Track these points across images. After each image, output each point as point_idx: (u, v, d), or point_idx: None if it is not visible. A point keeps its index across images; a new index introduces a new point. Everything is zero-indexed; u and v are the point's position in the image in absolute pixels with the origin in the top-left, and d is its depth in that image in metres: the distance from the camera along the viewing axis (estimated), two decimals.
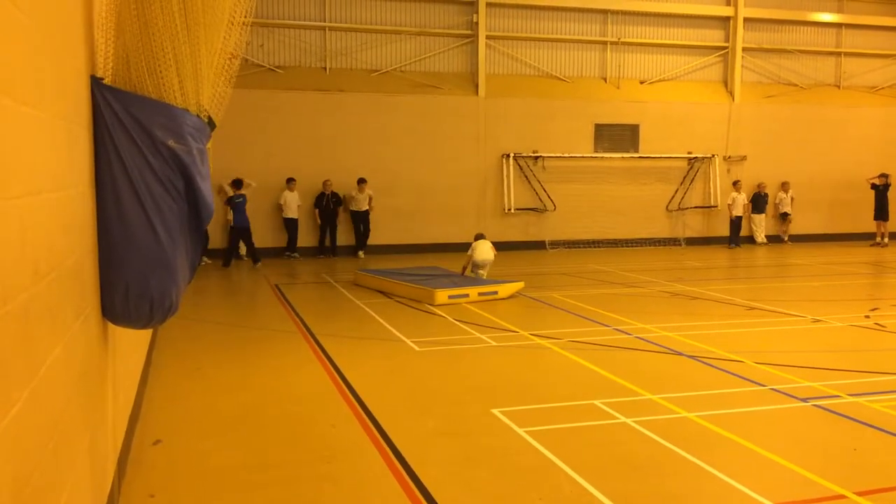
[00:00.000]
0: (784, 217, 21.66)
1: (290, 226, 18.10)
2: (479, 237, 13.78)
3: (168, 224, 3.95)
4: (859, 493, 4.73)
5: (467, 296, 11.69)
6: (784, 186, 21.52)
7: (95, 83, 3.87)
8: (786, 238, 21.69)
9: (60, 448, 2.82)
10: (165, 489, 4.90)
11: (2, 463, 2.09)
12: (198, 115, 4.23)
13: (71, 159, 3.29)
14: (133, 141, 3.88)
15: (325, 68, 18.81)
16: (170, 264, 3.99)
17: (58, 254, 2.93)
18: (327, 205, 18.21)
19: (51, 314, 2.78)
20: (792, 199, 21.54)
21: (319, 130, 18.44)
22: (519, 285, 12.51)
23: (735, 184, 20.90)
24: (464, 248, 19.25)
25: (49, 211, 2.83)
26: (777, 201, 21.70)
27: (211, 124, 4.43)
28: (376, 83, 18.99)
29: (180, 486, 4.97)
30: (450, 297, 11.48)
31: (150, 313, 4.05)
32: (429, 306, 11.30)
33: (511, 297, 12.16)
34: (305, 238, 18.40)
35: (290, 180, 17.86)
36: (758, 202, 21.24)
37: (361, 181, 18.13)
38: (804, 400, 6.69)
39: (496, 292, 12.08)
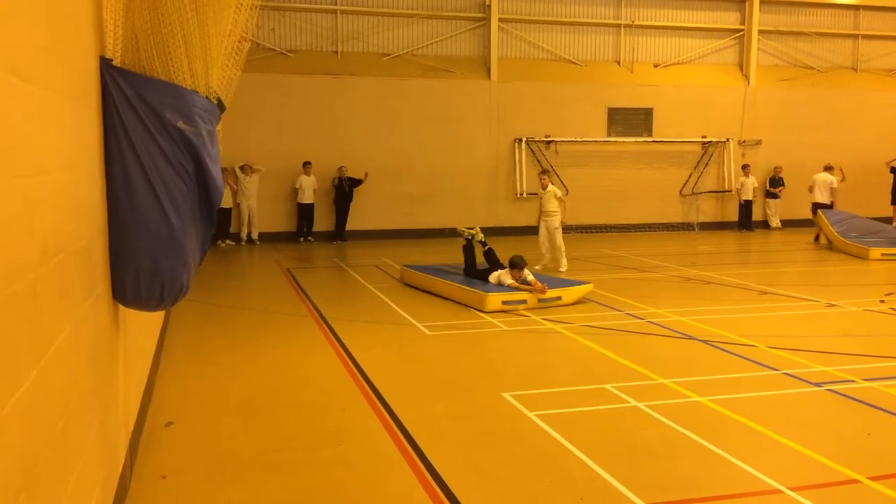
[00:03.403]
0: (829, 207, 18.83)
1: (305, 210, 18.10)
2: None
3: (178, 206, 3.95)
4: (873, 478, 4.69)
5: (525, 302, 9.88)
6: (829, 171, 18.82)
7: (104, 64, 3.86)
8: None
9: (70, 428, 2.82)
10: (177, 470, 4.92)
11: (10, 441, 2.09)
12: (207, 97, 4.22)
13: (79, 140, 3.28)
14: (142, 122, 3.87)
15: (336, 52, 18.74)
16: (180, 246, 3.99)
17: (66, 234, 2.93)
18: (342, 190, 18.17)
19: (60, 294, 2.78)
20: (842, 177, 18.68)
21: (331, 114, 18.40)
22: (588, 287, 10.55)
23: (744, 168, 20.73)
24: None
25: (57, 191, 2.82)
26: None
27: (220, 106, 4.42)
28: (388, 67, 18.91)
29: (192, 467, 4.99)
30: (504, 302, 9.78)
31: (160, 295, 4.05)
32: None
33: (578, 302, 10.32)
34: (319, 222, 18.39)
35: (306, 164, 17.85)
36: (775, 186, 21.00)
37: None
38: (818, 384, 6.64)
39: (559, 298, 10.07)
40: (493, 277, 10.48)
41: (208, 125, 4.14)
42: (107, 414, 3.76)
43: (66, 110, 3.03)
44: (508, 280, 10.18)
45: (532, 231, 14.16)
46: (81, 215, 3.25)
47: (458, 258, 11.68)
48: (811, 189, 18.06)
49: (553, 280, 10.83)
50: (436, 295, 10.84)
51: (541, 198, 13.59)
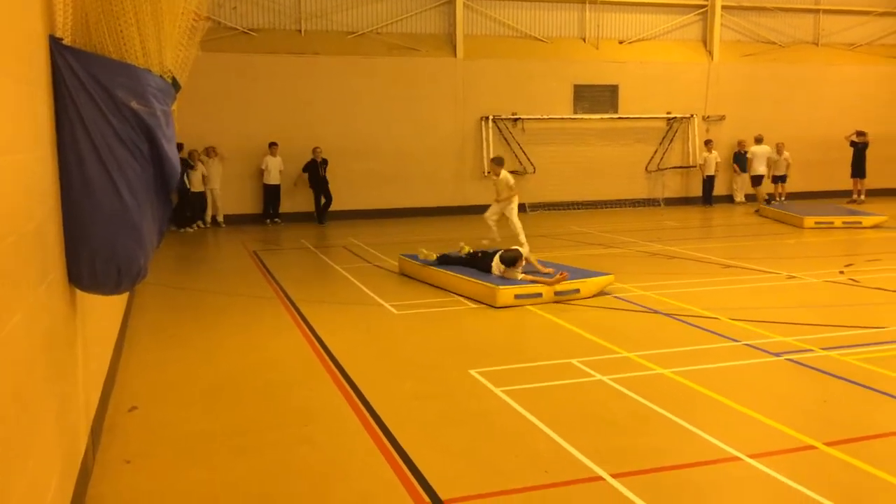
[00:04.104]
0: (781, 180, 20.66)
1: (271, 192, 17.88)
2: None
3: (133, 187, 3.89)
4: (829, 444, 4.82)
5: (540, 295, 9.05)
6: (779, 148, 20.37)
7: (55, 44, 3.77)
8: (782, 200, 20.50)
9: (23, 415, 2.78)
10: (141, 455, 4.89)
11: None
12: (161, 76, 4.15)
13: (30, 121, 3.21)
14: (95, 103, 3.80)
15: (300, 30, 18.50)
16: (136, 228, 3.94)
17: (17, 217, 2.87)
18: (317, 171, 17.90)
19: (11, 279, 2.73)
20: (788, 163, 20.52)
21: (295, 94, 18.18)
22: (609, 279, 9.70)
23: (707, 143, 20.93)
24: (444, 211, 19.34)
25: (7, 173, 2.76)
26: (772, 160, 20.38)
27: (175, 85, 4.35)
28: (352, 45, 18.72)
29: (157, 451, 4.96)
30: (516, 296, 8.97)
31: (117, 278, 4.00)
32: (395, 269, 11.19)
33: (597, 295, 9.44)
34: (287, 204, 18.21)
35: (272, 145, 17.61)
36: (740, 161, 21.24)
37: None
38: (777, 354, 6.77)
39: (577, 290, 9.24)
40: (494, 269, 9.56)
41: (163, 105, 4.07)
42: (65, 400, 3.71)
43: (14, 91, 2.96)
44: (518, 276, 9.34)
45: None
46: (33, 198, 3.19)
47: (431, 239, 11.60)
48: (751, 163, 19.78)
49: (569, 270, 9.67)
50: (439, 287, 9.94)
51: (495, 183, 13.73)
